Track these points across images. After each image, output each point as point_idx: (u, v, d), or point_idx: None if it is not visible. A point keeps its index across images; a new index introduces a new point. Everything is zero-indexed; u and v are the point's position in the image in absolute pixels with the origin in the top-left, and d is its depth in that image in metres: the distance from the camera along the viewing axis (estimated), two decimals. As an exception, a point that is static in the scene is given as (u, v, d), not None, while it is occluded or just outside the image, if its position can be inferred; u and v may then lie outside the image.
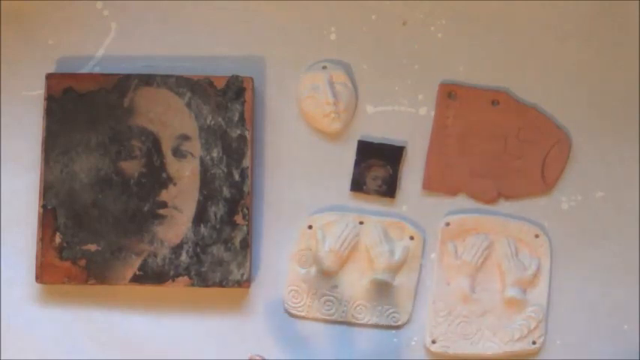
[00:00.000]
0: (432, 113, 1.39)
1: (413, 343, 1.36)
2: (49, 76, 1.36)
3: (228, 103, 1.36)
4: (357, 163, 1.38)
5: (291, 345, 1.36)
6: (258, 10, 1.40)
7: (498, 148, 1.38)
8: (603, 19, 1.39)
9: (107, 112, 1.36)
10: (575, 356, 1.35)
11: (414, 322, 1.36)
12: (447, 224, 1.37)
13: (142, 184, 1.35)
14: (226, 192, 1.35)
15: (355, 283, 1.37)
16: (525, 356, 1.36)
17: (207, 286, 1.34)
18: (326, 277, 1.36)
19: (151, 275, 1.34)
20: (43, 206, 1.34)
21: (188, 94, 1.36)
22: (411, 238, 1.37)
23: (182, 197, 1.35)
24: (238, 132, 1.36)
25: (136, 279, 1.34)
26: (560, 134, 1.38)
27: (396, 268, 1.36)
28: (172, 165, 1.35)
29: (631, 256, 1.37)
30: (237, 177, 1.35)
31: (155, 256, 1.34)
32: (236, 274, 1.34)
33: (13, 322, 1.35)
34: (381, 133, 1.39)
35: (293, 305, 1.36)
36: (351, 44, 1.40)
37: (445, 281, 1.37)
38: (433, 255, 1.38)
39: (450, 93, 1.39)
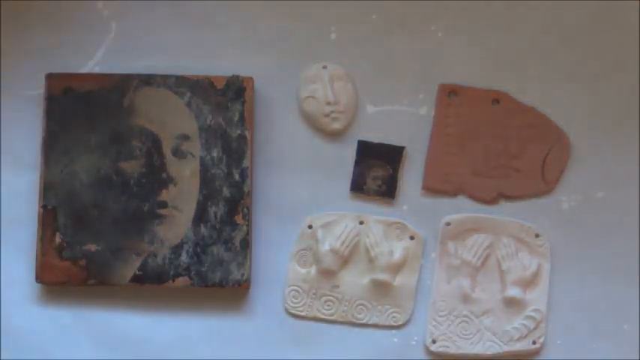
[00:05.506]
0: (432, 113, 1.39)
1: (413, 343, 1.36)
2: (49, 76, 1.36)
3: (228, 103, 1.36)
4: (357, 163, 1.38)
5: (291, 345, 1.36)
6: (258, 9, 1.40)
7: (498, 148, 1.38)
8: (603, 19, 1.39)
9: (107, 112, 1.36)
10: (575, 356, 1.35)
11: (414, 322, 1.36)
12: (447, 224, 1.37)
13: (142, 184, 1.35)
14: (226, 192, 1.35)
15: (355, 283, 1.37)
16: (525, 356, 1.36)
17: (207, 286, 1.34)
18: (326, 277, 1.36)
19: (151, 275, 1.34)
20: (43, 206, 1.34)
21: (188, 94, 1.36)
22: (411, 238, 1.37)
23: (182, 197, 1.35)
24: (238, 132, 1.36)
25: (136, 279, 1.34)
26: (560, 134, 1.38)
27: (396, 268, 1.36)
28: (172, 165, 1.35)
29: (631, 256, 1.37)
30: (237, 177, 1.35)
31: (155, 256, 1.34)
32: (236, 274, 1.34)
33: (13, 322, 1.35)
34: (381, 133, 1.39)
35: (293, 305, 1.36)
36: (351, 44, 1.40)
37: (445, 281, 1.37)
38: (433, 255, 1.38)
39: (450, 93, 1.39)
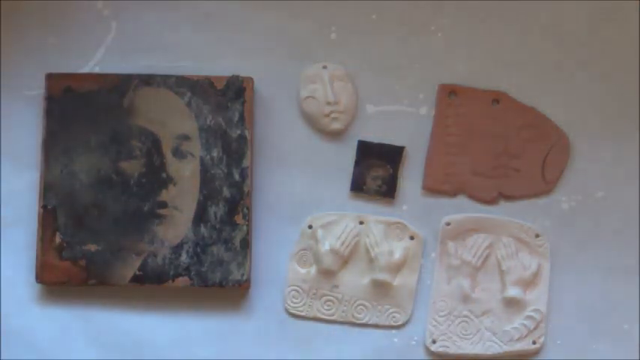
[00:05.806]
0: (432, 113, 1.39)
1: (413, 343, 1.36)
2: (49, 76, 1.36)
3: (228, 103, 1.36)
4: (357, 163, 1.38)
5: (291, 345, 1.36)
6: (258, 9, 1.40)
7: (498, 148, 1.38)
8: (603, 19, 1.39)
9: (107, 112, 1.36)
10: (575, 356, 1.35)
11: (414, 322, 1.36)
12: (447, 224, 1.37)
13: (142, 184, 1.35)
14: (226, 192, 1.35)
15: (355, 283, 1.37)
16: (525, 356, 1.36)
17: (207, 286, 1.34)
18: (326, 277, 1.36)
19: (151, 275, 1.34)
20: (43, 206, 1.34)
21: (188, 94, 1.36)
22: (411, 238, 1.37)
23: (182, 197, 1.35)
24: (238, 132, 1.36)
25: (136, 279, 1.34)
26: (560, 134, 1.38)
27: (396, 268, 1.36)
28: (172, 165, 1.35)
29: (631, 256, 1.37)
30: (237, 177, 1.35)
31: (155, 256, 1.34)
32: (236, 274, 1.34)
33: (13, 322, 1.35)
34: (381, 133, 1.39)
35: (293, 305, 1.36)
36: (351, 44, 1.40)
37: (445, 281, 1.37)
38: (433, 255, 1.38)
39: (450, 93, 1.39)
